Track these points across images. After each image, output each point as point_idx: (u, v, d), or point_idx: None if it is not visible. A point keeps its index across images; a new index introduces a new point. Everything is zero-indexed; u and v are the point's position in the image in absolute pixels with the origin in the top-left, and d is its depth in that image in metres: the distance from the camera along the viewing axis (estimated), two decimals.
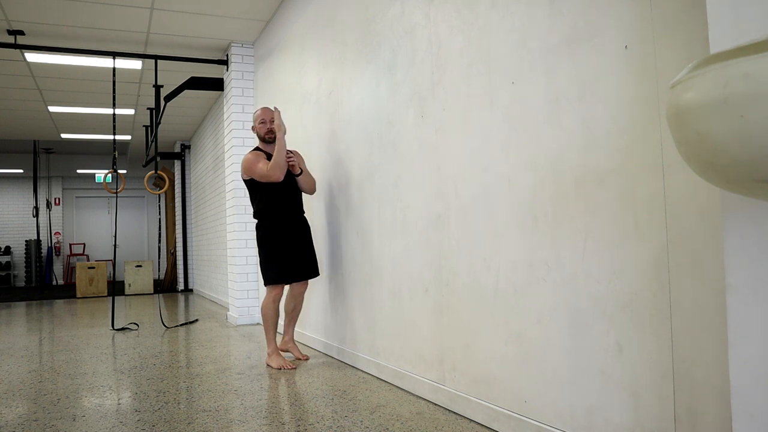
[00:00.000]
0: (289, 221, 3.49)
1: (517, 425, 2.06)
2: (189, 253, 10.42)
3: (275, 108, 3.49)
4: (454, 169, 2.42)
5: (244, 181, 3.50)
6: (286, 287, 3.64)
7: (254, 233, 5.66)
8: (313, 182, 3.65)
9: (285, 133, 3.42)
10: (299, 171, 3.52)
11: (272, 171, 3.34)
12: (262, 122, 3.50)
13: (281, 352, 3.68)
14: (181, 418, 2.48)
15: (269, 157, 3.45)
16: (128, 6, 4.75)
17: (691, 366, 1.46)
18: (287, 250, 3.45)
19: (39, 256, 13.29)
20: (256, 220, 3.55)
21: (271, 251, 3.45)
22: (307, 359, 3.63)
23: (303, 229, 3.56)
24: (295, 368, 3.37)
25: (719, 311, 1.38)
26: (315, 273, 3.60)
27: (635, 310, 1.61)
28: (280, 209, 3.46)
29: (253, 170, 3.39)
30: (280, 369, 3.36)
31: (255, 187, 3.48)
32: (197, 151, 9.65)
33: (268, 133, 3.49)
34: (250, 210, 5.51)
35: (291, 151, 3.56)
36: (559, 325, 1.88)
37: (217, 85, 6.06)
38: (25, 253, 13.84)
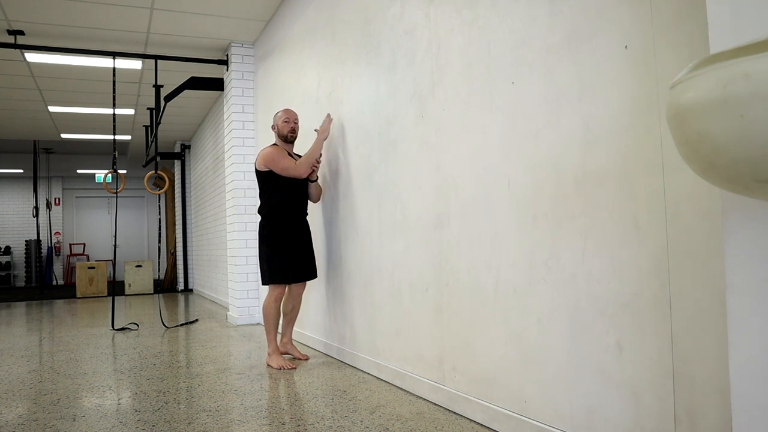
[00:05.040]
0: (296, 222, 3.55)
1: (517, 425, 2.06)
2: (189, 253, 10.41)
3: (328, 114, 3.60)
4: (454, 169, 2.42)
5: (259, 172, 3.52)
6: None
7: (255, 233, 5.69)
8: (321, 192, 3.76)
9: (326, 139, 3.55)
10: (316, 178, 3.62)
11: (300, 167, 3.43)
12: (285, 121, 3.57)
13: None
14: (181, 418, 2.48)
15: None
16: (128, 6, 4.75)
17: (691, 366, 1.46)
18: (293, 251, 3.49)
19: (39, 256, 13.29)
20: (260, 217, 3.58)
21: (278, 250, 3.47)
22: (307, 359, 3.64)
23: (306, 231, 3.62)
24: (295, 368, 3.38)
25: (719, 311, 1.38)
26: (314, 274, 3.65)
27: (635, 310, 1.61)
28: (289, 209, 3.51)
29: (276, 162, 3.43)
30: (280, 369, 3.37)
31: (268, 182, 3.50)
32: (197, 151, 9.65)
33: (291, 132, 3.57)
34: (250, 210, 5.52)
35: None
36: (559, 325, 1.88)
37: (217, 85, 6.06)
38: (25, 253, 13.84)
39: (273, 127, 3.64)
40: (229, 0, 4.72)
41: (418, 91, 2.70)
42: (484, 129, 2.24)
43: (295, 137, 3.61)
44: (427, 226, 2.62)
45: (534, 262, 1.98)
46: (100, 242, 14.83)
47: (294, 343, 4.00)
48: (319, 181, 3.83)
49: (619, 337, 1.66)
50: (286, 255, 3.47)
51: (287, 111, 3.62)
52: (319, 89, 3.94)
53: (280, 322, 3.70)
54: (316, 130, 3.58)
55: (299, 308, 3.72)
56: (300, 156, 3.65)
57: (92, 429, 2.37)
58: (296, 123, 3.60)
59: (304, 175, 3.46)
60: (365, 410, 2.50)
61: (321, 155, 3.56)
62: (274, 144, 3.59)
